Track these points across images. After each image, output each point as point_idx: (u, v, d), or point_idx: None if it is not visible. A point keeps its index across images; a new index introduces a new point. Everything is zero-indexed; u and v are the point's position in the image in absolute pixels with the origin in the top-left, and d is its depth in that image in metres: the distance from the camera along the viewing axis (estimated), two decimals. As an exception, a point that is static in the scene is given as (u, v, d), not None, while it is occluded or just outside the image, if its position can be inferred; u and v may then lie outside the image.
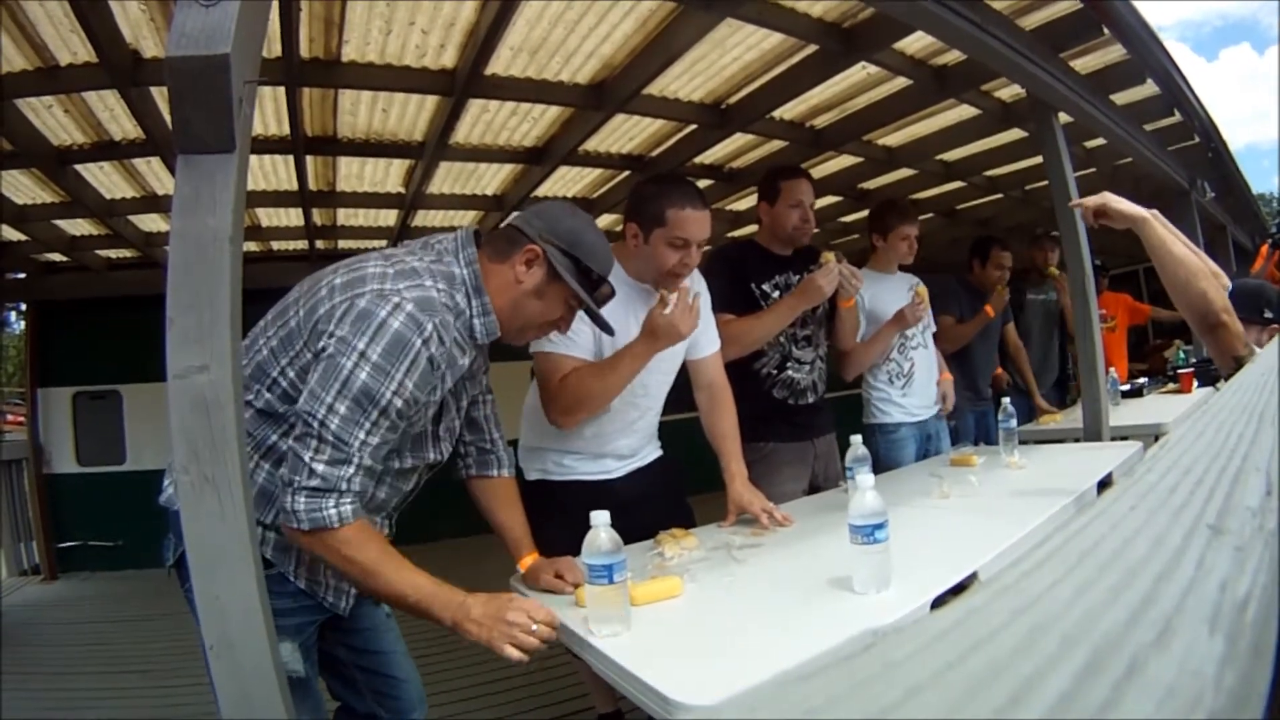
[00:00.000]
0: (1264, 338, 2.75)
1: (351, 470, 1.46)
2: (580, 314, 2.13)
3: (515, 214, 1.77)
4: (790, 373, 2.89)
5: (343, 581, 1.71)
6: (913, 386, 3.47)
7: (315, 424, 1.43)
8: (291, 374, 1.52)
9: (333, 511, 1.45)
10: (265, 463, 1.57)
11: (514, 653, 1.45)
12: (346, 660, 1.86)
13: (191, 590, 1.56)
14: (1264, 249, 6.25)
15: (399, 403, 1.47)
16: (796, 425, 2.90)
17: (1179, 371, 4.91)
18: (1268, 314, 2.90)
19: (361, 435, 1.46)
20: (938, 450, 3.57)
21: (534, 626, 1.47)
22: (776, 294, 2.84)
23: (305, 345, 1.50)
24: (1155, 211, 2.15)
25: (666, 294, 2.04)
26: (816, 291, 2.62)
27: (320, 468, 1.43)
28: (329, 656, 1.82)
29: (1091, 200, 2.23)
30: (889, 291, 3.40)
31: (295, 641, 1.61)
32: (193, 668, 2.91)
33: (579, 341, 2.15)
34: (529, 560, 1.86)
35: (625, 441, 2.34)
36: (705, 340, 2.49)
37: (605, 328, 1.80)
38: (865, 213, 6.20)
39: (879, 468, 3.30)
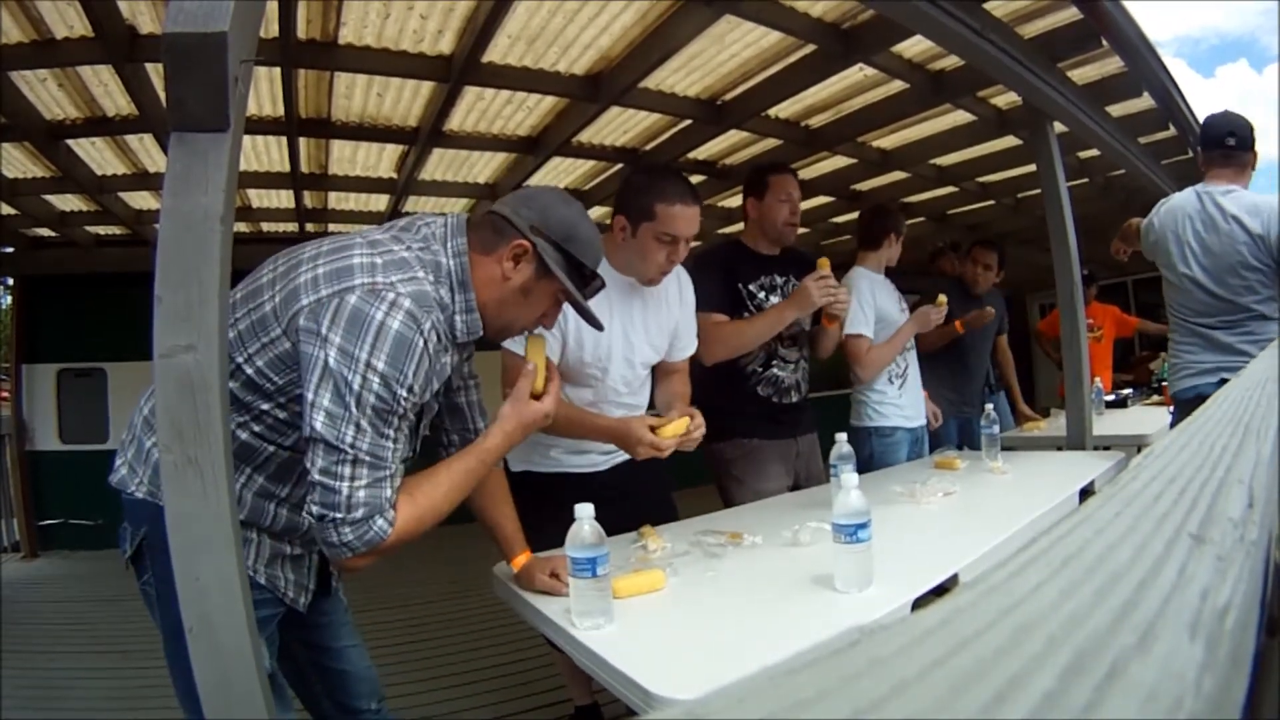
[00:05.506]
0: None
1: (388, 487, 1.38)
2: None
3: (501, 199, 1.64)
4: (775, 370, 2.90)
5: (303, 577, 1.65)
6: (906, 386, 3.49)
7: (345, 447, 1.33)
8: (260, 362, 1.41)
9: (382, 524, 1.37)
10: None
11: None
12: (303, 658, 1.79)
13: (150, 582, 1.52)
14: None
15: (412, 401, 1.40)
16: (780, 423, 2.91)
17: (1163, 384, 4.94)
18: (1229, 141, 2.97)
19: (391, 446, 1.38)
20: (920, 454, 3.59)
21: None
22: (763, 294, 2.85)
23: (283, 334, 1.39)
24: None
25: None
26: (808, 299, 2.62)
27: (362, 494, 1.35)
28: (284, 652, 1.72)
29: None
30: (884, 289, 3.42)
31: (262, 636, 1.56)
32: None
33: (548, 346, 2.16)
34: (522, 559, 1.81)
35: None
36: (685, 344, 2.50)
37: (595, 324, 1.69)
38: (857, 214, 6.26)
39: (873, 471, 3.31)
